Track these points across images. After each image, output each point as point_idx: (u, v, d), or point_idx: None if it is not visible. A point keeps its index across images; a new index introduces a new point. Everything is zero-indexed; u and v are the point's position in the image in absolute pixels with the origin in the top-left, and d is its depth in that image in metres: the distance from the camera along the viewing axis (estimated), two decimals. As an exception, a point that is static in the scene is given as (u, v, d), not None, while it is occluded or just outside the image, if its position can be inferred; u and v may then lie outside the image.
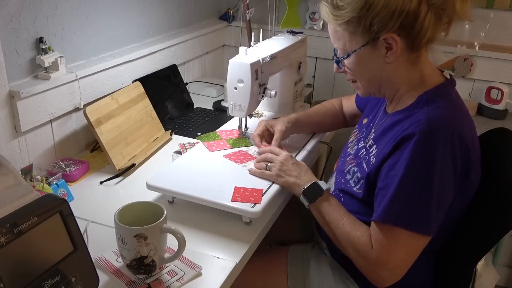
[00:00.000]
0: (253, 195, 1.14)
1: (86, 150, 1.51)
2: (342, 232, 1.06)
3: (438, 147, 0.93)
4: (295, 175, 1.18)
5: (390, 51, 1.00)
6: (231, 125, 1.58)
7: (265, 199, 1.14)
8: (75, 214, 0.86)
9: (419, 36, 0.98)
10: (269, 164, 1.23)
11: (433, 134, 0.94)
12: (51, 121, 1.37)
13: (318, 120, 1.48)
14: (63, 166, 1.34)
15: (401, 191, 0.95)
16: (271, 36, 1.76)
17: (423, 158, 0.94)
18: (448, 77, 1.08)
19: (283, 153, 1.25)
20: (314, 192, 1.12)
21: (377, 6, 0.95)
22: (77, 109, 1.44)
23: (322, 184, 1.13)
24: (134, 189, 1.29)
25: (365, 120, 1.24)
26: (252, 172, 1.24)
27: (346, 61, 1.07)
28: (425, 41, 0.99)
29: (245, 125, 1.48)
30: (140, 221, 0.92)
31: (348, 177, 1.16)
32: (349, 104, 1.48)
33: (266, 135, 1.40)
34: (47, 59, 1.29)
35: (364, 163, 1.11)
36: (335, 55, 1.10)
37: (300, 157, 1.38)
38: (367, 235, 1.02)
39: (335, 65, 1.12)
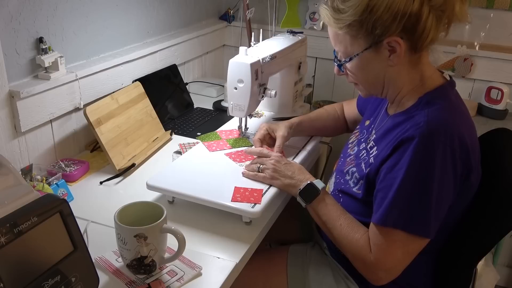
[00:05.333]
0: (253, 195, 1.14)
1: (86, 150, 1.51)
2: (339, 233, 1.06)
3: (438, 151, 0.93)
4: (289, 176, 1.17)
5: (394, 54, 0.99)
6: (231, 125, 1.58)
7: (265, 199, 1.14)
8: (75, 214, 0.86)
9: (422, 38, 0.97)
10: (261, 166, 1.23)
11: (433, 137, 0.94)
12: (51, 121, 1.37)
13: (320, 125, 1.47)
14: (63, 166, 1.34)
15: (401, 194, 0.95)
16: (271, 36, 1.76)
17: (423, 161, 0.94)
18: (448, 78, 1.08)
19: (273, 155, 1.25)
20: (310, 192, 1.12)
21: (379, 9, 0.94)
22: (77, 109, 1.44)
23: (317, 183, 1.13)
24: (134, 189, 1.29)
25: (367, 122, 1.24)
26: (245, 175, 1.24)
27: (348, 65, 1.06)
28: (427, 42, 0.99)
29: (245, 125, 1.48)
30: (140, 221, 0.92)
31: (348, 177, 1.16)
32: (350, 108, 1.47)
33: (267, 139, 1.39)
34: (47, 59, 1.29)
35: (363, 164, 1.11)
36: (336, 57, 1.10)
37: (300, 157, 1.38)
38: (365, 238, 1.02)
39: (336, 68, 1.11)
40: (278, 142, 1.33)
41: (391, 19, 0.95)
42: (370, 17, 0.96)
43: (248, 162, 1.30)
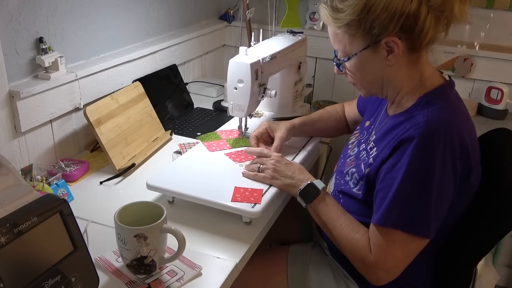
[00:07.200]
0: (253, 195, 1.14)
1: (86, 150, 1.51)
2: (339, 233, 1.06)
3: (438, 151, 0.93)
4: (289, 176, 1.17)
5: (391, 54, 0.99)
6: (231, 125, 1.58)
7: (265, 199, 1.14)
8: (75, 214, 0.86)
9: (420, 38, 0.97)
10: (261, 166, 1.23)
11: (433, 137, 0.94)
12: (51, 121, 1.37)
13: (321, 126, 1.47)
14: (63, 166, 1.34)
15: (401, 194, 0.95)
16: (271, 36, 1.76)
17: (422, 161, 0.94)
18: (448, 78, 1.08)
19: (274, 154, 1.25)
20: (310, 192, 1.12)
21: (377, 9, 0.95)
22: (77, 109, 1.44)
23: (318, 183, 1.13)
24: (134, 189, 1.29)
25: (367, 123, 1.24)
26: (245, 175, 1.24)
27: (347, 64, 1.06)
28: (425, 42, 0.99)
29: (245, 125, 1.48)
30: (140, 221, 0.92)
31: (348, 178, 1.16)
32: (350, 109, 1.47)
33: (265, 137, 1.39)
34: (47, 59, 1.29)
35: (362, 164, 1.11)
36: (336, 56, 1.10)
37: (300, 157, 1.38)
38: (366, 238, 1.02)
39: (335, 67, 1.11)
40: (275, 143, 1.34)
41: (389, 19, 0.95)
42: (368, 16, 0.96)
43: (248, 162, 1.30)
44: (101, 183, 1.32)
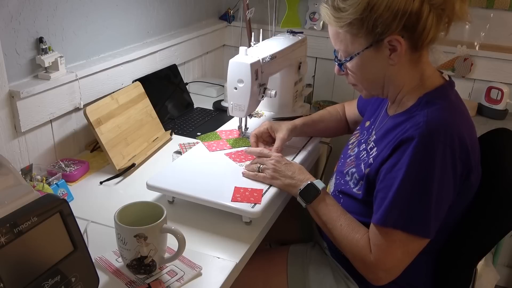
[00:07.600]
0: (253, 195, 1.14)
1: (86, 150, 1.51)
2: (339, 233, 1.06)
3: (438, 151, 0.93)
4: (289, 176, 1.17)
5: (394, 53, 0.99)
6: (231, 125, 1.58)
7: (265, 199, 1.14)
8: (75, 214, 0.86)
9: (422, 37, 0.97)
10: (261, 166, 1.23)
11: (433, 137, 0.94)
12: (51, 121, 1.37)
13: (322, 126, 1.47)
14: (63, 166, 1.34)
15: (401, 194, 0.95)
16: (271, 36, 1.76)
17: (422, 161, 0.94)
18: (448, 78, 1.08)
19: (274, 154, 1.25)
20: (310, 192, 1.12)
21: (380, 8, 0.94)
22: (77, 109, 1.44)
23: (318, 183, 1.13)
24: (134, 189, 1.29)
25: (367, 123, 1.24)
26: (245, 175, 1.24)
27: (348, 64, 1.06)
28: (427, 41, 0.99)
29: (245, 125, 1.48)
30: (140, 221, 0.92)
31: (348, 178, 1.16)
32: (350, 109, 1.47)
33: (265, 137, 1.39)
34: (47, 59, 1.29)
35: (362, 164, 1.11)
36: (336, 57, 1.10)
37: (300, 157, 1.38)
38: (366, 238, 1.02)
39: (336, 67, 1.11)
40: (276, 144, 1.34)
41: (392, 18, 0.95)
42: (370, 15, 0.96)
43: (248, 162, 1.30)
44: (101, 183, 1.32)
